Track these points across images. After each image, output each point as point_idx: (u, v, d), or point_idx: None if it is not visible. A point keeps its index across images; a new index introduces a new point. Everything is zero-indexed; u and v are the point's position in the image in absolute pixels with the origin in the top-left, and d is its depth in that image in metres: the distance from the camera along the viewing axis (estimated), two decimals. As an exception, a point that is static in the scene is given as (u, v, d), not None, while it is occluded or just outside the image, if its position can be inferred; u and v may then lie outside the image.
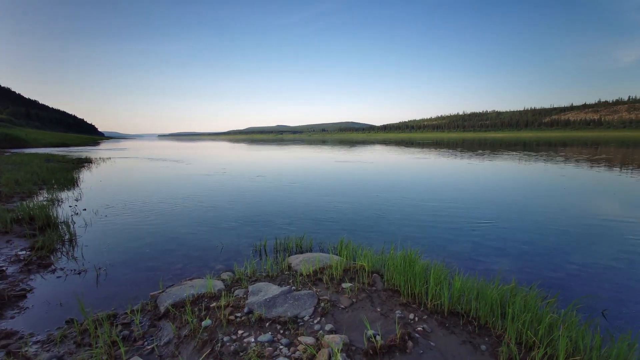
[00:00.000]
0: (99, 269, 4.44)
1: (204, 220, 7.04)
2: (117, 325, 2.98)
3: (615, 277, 4.17)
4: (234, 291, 3.58)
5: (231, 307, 3.17)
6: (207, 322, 2.92)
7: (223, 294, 3.40)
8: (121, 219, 7.05)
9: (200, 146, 56.66)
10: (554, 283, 4.00)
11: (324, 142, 73.69)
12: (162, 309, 3.22)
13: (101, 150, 40.42)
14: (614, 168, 16.00)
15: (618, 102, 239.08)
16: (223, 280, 3.92)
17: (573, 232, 6.03)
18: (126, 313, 3.22)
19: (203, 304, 3.26)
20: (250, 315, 3.03)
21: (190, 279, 3.96)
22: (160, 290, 3.63)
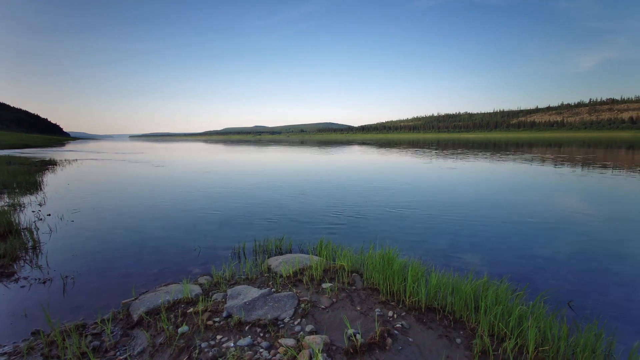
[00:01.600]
0: (66, 277, 4.19)
1: (180, 223, 6.83)
2: (86, 336, 2.83)
3: (578, 270, 4.45)
4: (212, 295, 3.50)
5: (209, 311, 3.10)
6: (184, 328, 2.83)
7: (201, 299, 3.32)
8: (89, 224, 6.71)
9: (174, 147, 54.97)
10: (523, 276, 4.21)
11: (302, 143, 73.61)
12: (135, 317, 3.09)
13: (67, 152, 38.24)
14: (575, 167, 17.08)
15: (580, 105, 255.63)
16: (200, 285, 3.82)
17: (539, 227, 6.36)
18: (96, 323, 3.06)
19: (179, 310, 3.16)
20: (229, 320, 2.97)
21: (165, 285, 3.83)
22: (133, 298, 3.48)
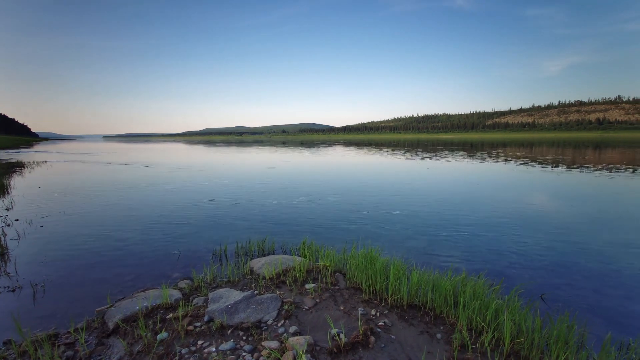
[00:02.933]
0: (36, 285, 3.98)
1: (158, 226, 6.62)
2: (59, 346, 2.70)
3: (549, 264, 4.67)
4: (192, 300, 3.42)
5: (190, 316, 3.02)
6: (163, 335, 2.75)
7: (181, 304, 3.23)
8: (60, 229, 6.39)
9: (151, 148, 53.30)
10: (499, 271, 4.37)
11: (285, 144, 73.26)
12: (110, 325, 2.97)
13: (36, 153, 36.24)
14: (546, 166, 17.92)
15: (549, 107, 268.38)
16: (180, 289, 3.72)
17: (512, 223, 6.63)
18: (69, 332, 2.92)
19: (158, 316, 3.07)
20: (210, 324, 2.91)
21: (143, 290, 3.71)
22: (108, 305, 3.35)
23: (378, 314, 3.12)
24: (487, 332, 2.76)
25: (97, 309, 3.30)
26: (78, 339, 2.79)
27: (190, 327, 2.85)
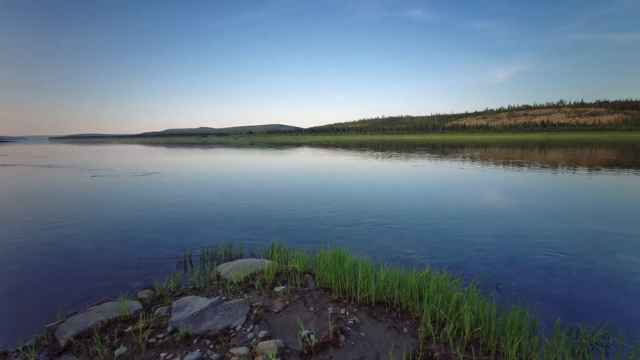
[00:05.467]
0: (-31, 304, 3.55)
1: (115, 233, 6.20)
2: (-1, 371, 2.43)
3: (503, 256, 5.02)
4: (154, 310, 3.24)
5: (151, 328, 2.86)
6: (121, 349, 2.58)
7: (141, 315, 3.05)
8: (1, 240, 5.75)
9: (105, 150, 49.76)
10: (459, 265, 4.63)
11: (251, 145, 71.93)
12: (62, 342, 2.73)
13: (-33, 157, 32.31)
14: (498, 165, 19.30)
15: (500, 111, 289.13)
16: (141, 300, 3.51)
17: (470, 219, 7.05)
18: (18, 350, 2.65)
19: (116, 330, 2.87)
20: (175, 335, 2.78)
21: (98, 304, 3.45)
22: (59, 321, 3.08)
23: (348, 312, 3.16)
24: (449, 323, 2.90)
25: (47, 326, 3.02)
26: (28, 358, 2.54)
27: (152, 340, 2.70)
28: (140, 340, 2.67)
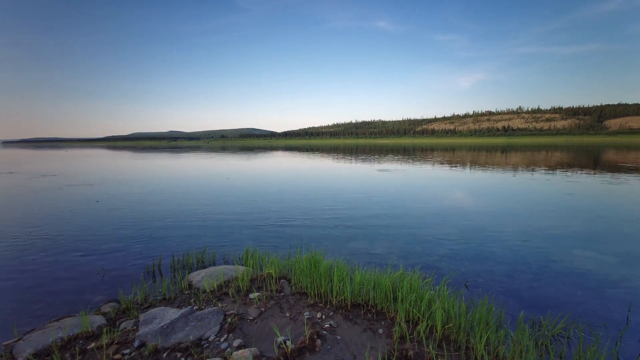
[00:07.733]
0: None
1: (74, 244, 5.79)
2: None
3: (471, 254, 5.25)
4: (119, 325, 3.06)
5: (117, 344, 2.70)
6: (83, 368, 2.40)
7: (105, 331, 2.87)
8: (-61, 256, 5.20)
9: (60, 155, 46.57)
10: (430, 264, 4.78)
11: (224, 149, 70.33)
12: (14, 365, 2.50)
13: None
14: (465, 168, 20.24)
15: (466, 116, 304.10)
16: (105, 314, 3.30)
17: (439, 219, 7.32)
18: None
19: (77, 347, 2.68)
20: (142, 349, 2.64)
21: (57, 320, 3.20)
22: (16, 338, 2.83)
23: (324, 316, 3.16)
24: (422, 321, 2.99)
25: (4, 343, 2.78)
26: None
27: (118, 356, 2.54)
28: (104, 357, 2.51)
